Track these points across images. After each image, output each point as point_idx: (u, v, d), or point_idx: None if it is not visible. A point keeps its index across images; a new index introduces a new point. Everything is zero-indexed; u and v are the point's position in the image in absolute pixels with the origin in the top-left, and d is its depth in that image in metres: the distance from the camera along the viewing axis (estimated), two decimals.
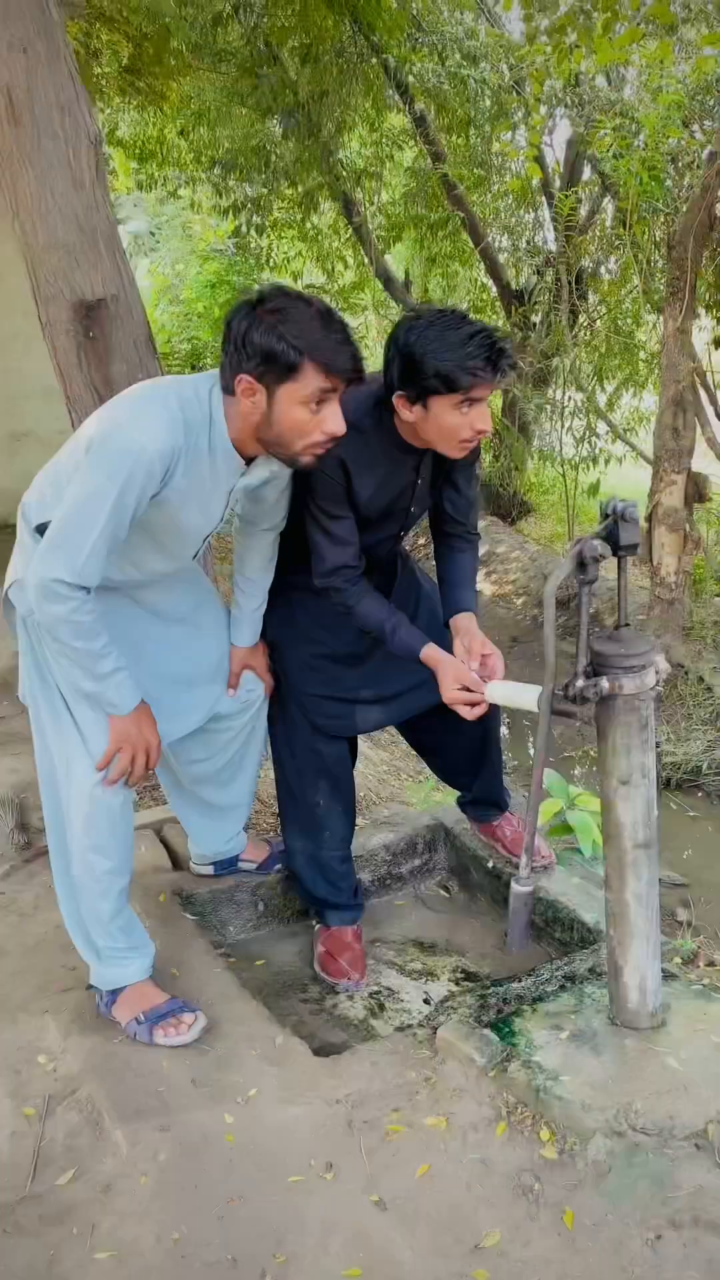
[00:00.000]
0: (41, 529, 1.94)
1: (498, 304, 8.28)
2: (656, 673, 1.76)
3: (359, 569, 2.24)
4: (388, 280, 8.78)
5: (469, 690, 2.09)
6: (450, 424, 2.00)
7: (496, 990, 2.16)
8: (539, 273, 7.63)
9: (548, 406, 7.14)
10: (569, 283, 6.81)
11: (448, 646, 2.21)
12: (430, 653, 2.18)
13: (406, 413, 2.03)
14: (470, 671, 2.12)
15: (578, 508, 7.00)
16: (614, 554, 1.69)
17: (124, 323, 2.98)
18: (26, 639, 2.06)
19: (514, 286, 7.96)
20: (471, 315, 2.00)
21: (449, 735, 2.58)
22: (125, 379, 2.99)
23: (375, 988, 2.47)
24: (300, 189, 7.82)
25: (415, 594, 2.55)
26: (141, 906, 2.53)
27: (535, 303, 7.57)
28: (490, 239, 7.50)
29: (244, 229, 8.12)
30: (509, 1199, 1.68)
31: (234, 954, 2.58)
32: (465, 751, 2.64)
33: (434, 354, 1.91)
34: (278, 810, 2.66)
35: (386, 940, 2.68)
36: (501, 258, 8.28)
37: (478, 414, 1.99)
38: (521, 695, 1.97)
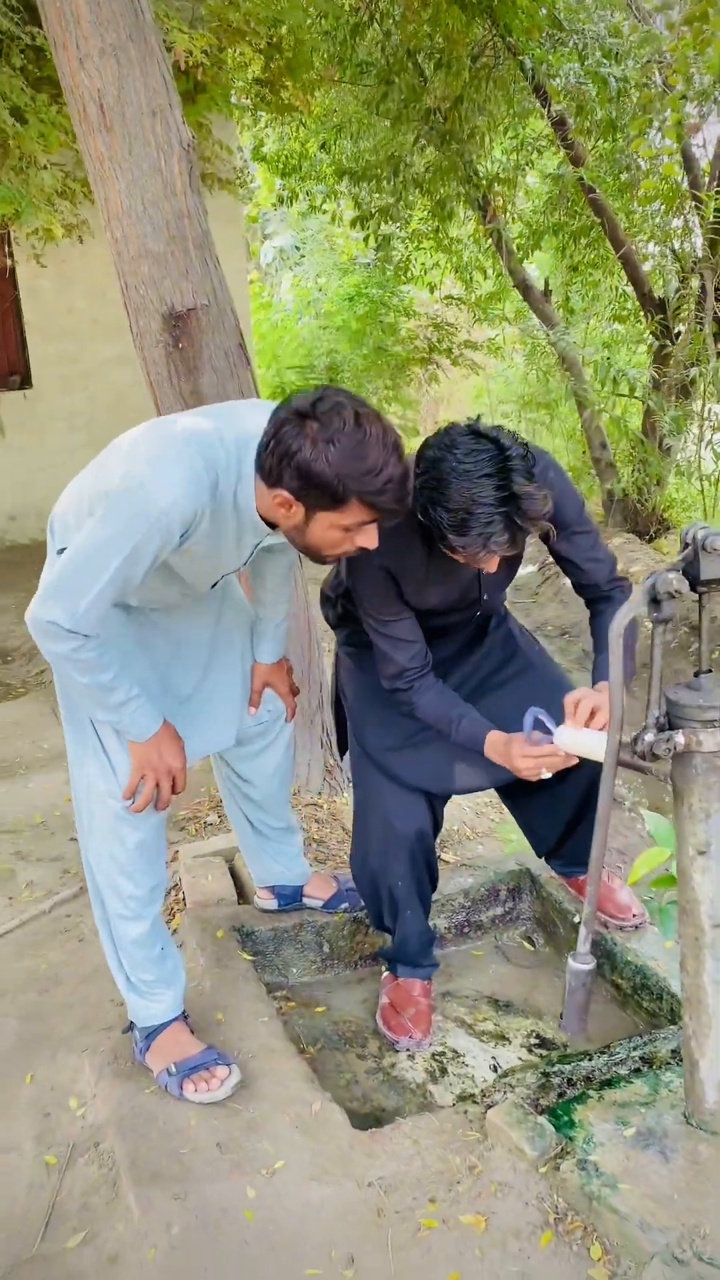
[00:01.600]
0: (62, 552, 1.85)
1: (640, 314, 7.91)
2: None
3: (423, 669, 2.12)
4: (526, 289, 8.53)
5: (539, 756, 1.89)
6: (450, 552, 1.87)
7: (563, 1069, 1.94)
8: (683, 279, 7.25)
9: (689, 420, 6.75)
10: (714, 289, 6.43)
11: (557, 710, 2.00)
12: (492, 740, 2.03)
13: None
14: (525, 736, 1.92)
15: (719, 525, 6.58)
16: (692, 589, 1.46)
17: (215, 332, 2.89)
18: None
19: (656, 295, 7.59)
20: (512, 457, 1.76)
21: (543, 795, 2.37)
22: (215, 389, 2.91)
23: (440, 1048, 2.27)
24: (437, 198, 7.67)
25: (510, 657, 2.37)
26: (197, 941, 2.42)
27: (678, 311, 7.19)
28: (631, 245, 7.15)
29: (377, 240, 8.02)
30: None
31: (294, 998, 2.44)
32: (561, 811, 2.42)
33: (446, 508, 1.76)
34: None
35: (458, 995, 2.48)
36: (649, 265, 7.92)
37: (484, 562, 1.85)
38: (591, 743, 1.75)
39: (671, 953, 2.33)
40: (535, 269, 10.02)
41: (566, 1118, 1.76)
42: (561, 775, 2.14)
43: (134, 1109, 1.92)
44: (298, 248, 13.57)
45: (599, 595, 2.22)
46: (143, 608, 1.99)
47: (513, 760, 1.93)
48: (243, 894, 2.67)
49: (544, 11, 5.85)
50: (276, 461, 1.62)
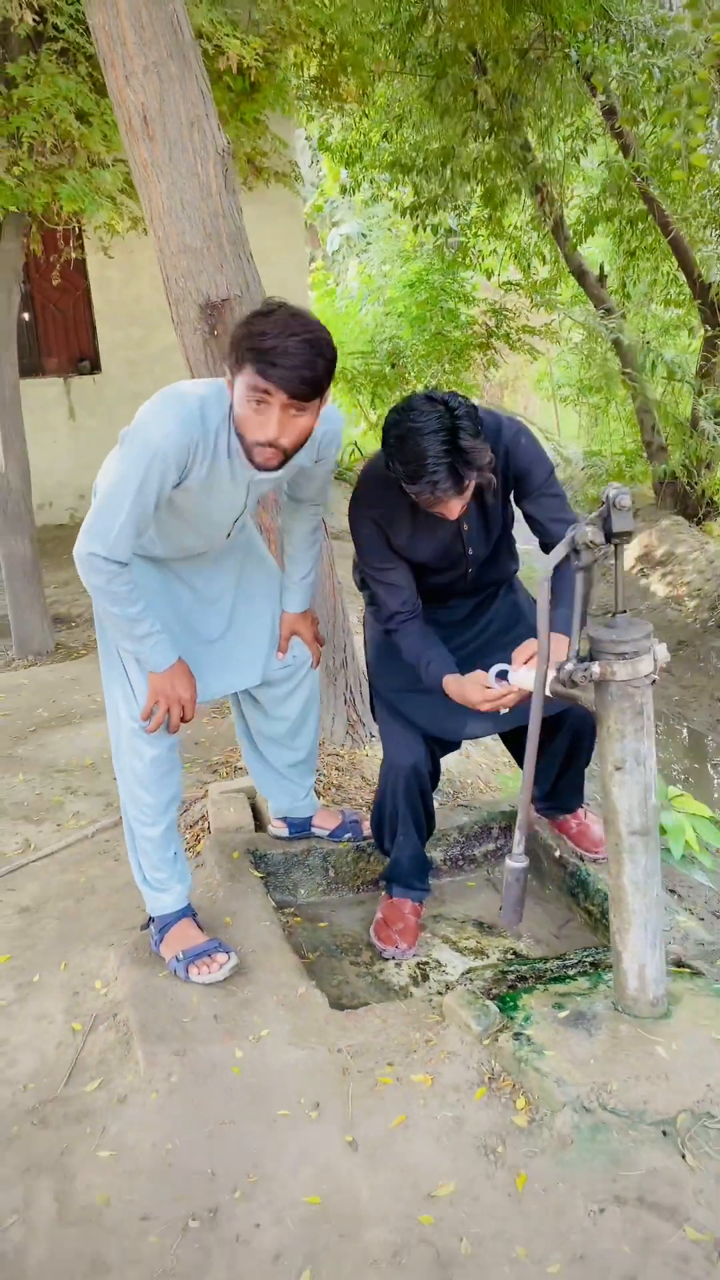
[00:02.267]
0: None
1: (691, 301, 8.02)
2: (655, 660, 1.77)
3: (412, 614, 2.39)
4: (581, 275, 8.69)
5: (490, 689, 2.16)
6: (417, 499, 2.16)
7: (519, 968, 2.22)
8: None
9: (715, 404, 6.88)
10: None
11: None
12: (446, 681, 2.29)
13: None
14: (483, 673, 2.19)
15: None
16: (607, 541, 1.72)
17: None
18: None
19: (706, 282, 7.70)
20: (459, 416, 2.03)
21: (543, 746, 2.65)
22: None
23: (424, 959, 2.56)
24: (490, 187, 7.86)
25: (513, 624, 2.62)
26: (216, 860, 2.74)
27: None
28: (681, 232, 7.28)
29: (427, 228, 8.25)
30: (471, 1157, 1.75)
31: (300, 914, 2.74)
32: (551, 763, 2.68)
33: (403, 460, 2.06)
34: None
35: (447, 917, 2.76)
36: (703, 251, 8.02)
37: (443, 508, 2.14)
38: (529, 678, 2.02)
39: None
40: (597, 252, 10.13)
41: (512, 1003, 2.03)
42: (550, 732, 2.43)
43: (148, 988, 2.24)
44: (364, 235, 13.82)
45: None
46: (169, 561, 2.30)
47: (470, 697, 2.19)
48: (260, 824, 2.98)
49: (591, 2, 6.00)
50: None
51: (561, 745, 2.62)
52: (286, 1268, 1.61)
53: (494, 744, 3.86)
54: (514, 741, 2.77)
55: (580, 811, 2.79)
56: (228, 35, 4.56)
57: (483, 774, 3.62)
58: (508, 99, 6.55)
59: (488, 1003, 2.02)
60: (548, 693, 1.86)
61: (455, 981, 2.42)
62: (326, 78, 5.94)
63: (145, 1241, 1.68)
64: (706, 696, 5.98)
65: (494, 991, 2.10)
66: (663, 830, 3.06)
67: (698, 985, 2.08)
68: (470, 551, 2.43)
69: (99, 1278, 1.62)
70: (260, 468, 2.00)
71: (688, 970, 2.15)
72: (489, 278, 9.91)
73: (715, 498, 8.40)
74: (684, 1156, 1.67)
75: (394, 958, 2.54)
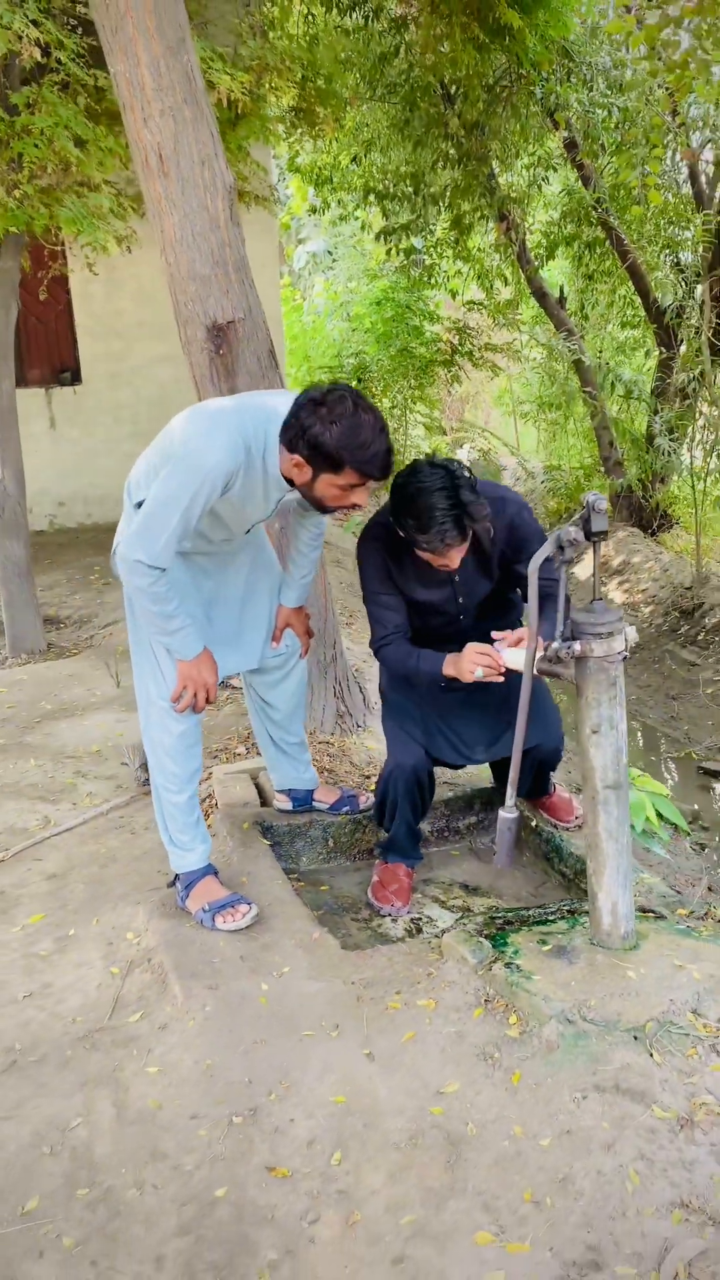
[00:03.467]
0: (139, 505, 2.46)
1: (646, 322, 8.45)
2: (625, 640, 2.09)
3: (402, 635, 2.70)
4: (542, 296, 9.09)
5: (486, 656, 2.46)
6: (422, 555, 2.50)
7: (505, 914, 2.53)
8: (686, 290, 7.78)
9: (687, 423, 7.29)
10: (710, 299, 6.96)
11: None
12: (449, 658, 2.58)
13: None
14: (482, 644, 2.50)
15: (706, 520, 7.12)
16: (587, 539, 2.04)
17: (250, 341, 3.49)
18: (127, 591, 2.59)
19: (660, 305, 8.13)
20: (459, 478, 2.38)
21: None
22: (248, 389, 3.50)
23: (417, 915, 2.86)
24: (460, 211, 8.23)
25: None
26: (227, 830, 3.03)
27: (680, 320, 7.73)
28: (637, 258, 7.70)
29: (400, 253, 8.61)
30: (472, 1062, 2.06)
31: (303, 879, 3.03)
32: (524, 787, 2.99)
33: (411, 520, 2.39)
34: None
35: (436, 881, 3.07)
36: (658, 275, 8.46)
37: (439, 562, 2.48)
38: (517, 657, 2.34)
39: None
40: (557, 274, 10.56)
41: (502, 940, 2.34)
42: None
43: (178, 935, 2.53)
44: (330, 252, 14.18)
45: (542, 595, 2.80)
46: (193, 555, 2.59)
47: (464, 660, 2.49)
48: (264, 801, 3.27)
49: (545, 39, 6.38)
50: (296, 434, 2.23)
51: (531, 767, 2.92)
52: (319, 1150, 1.90)
53: None
54: (498, 768, 3.12)
55: (552, 788, 3.11)
56: (218, 70, 4.87)
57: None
58: (476, 131, 6.93)
59: (481, 939, 2.33)
60: (535, 669, 2.19)
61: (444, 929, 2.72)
62: (304, 108, 6.27)
63: (196, 1135, 1.96)
64: (661, 695, 6.36)
65: (485, 932, 2.41)
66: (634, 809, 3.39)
67: (660, 926, 2.40)
68: (461, 600, 2.73)
69: (158, 1163, 1.91)
70: (329, 512, 2.36)
71: (652, 915, 2.47)
72: (454, 297, 10.30)
73: (668, 510, 8.82)
74: (651, 1054, 1.99)
75: (390, 914, 2.84)
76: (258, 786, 3.34)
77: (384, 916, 2.84)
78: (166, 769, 2.60)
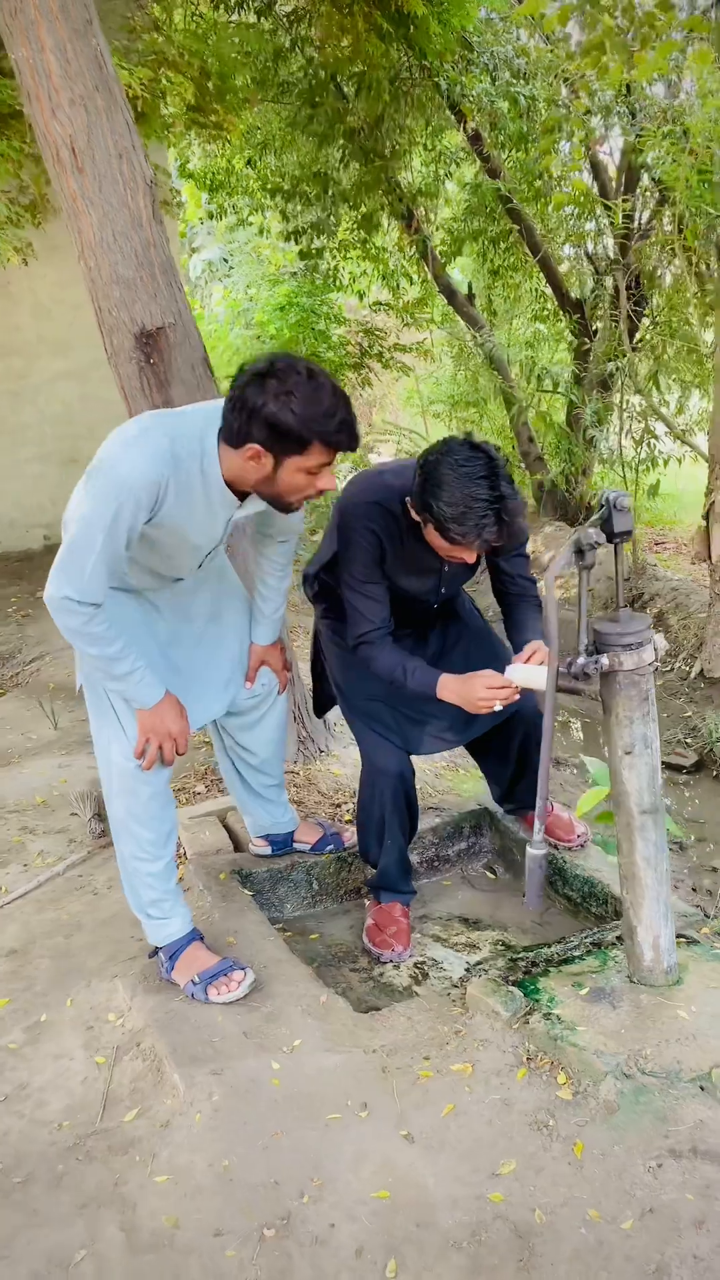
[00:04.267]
0: None
1: (559, 314, 8.38)
2: (655, 650, 1.90)
3: (387, 630, 2.46)
4: (451, 294, 8.96)
5: (499, 687, 2.25)
6: (439, 546, 2.25)
7: (527, 955, 2.32)
8: (598, 280, 7.73)
9: (610, 412, 7.22)
10: (627, 289, 6.90)
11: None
12: (444, 681, 2.36)
13: (411, 510, 2.27)
14: (491, 671, 2.30)
15: (638, 508, 7.07)
16: (609, 541, 1.84)
17: (182, 348, 3.22)
18: None
19: (574, 296, 8.07)
20: (499, 465, 2.14)
21: (492, 754, 2.78)
22: (184, 399, 3.23)
23: (420, 958, 2.63)
24: (363, 211, 8.04)
25: (475, 637, 2.75)
26: (204, 883, 2.75)
27: (595, 310, 7.67)
28: (548, 250, 7.62)
29: (310, 252, 8.39)
30: (526, 1133, 1.84)
31: (290, 929, 2.78)
32: (505, 766, 2.81)
33: (446, 503, 2.11)
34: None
35: (432, 916, 2.84)
36: (564, 267, 8.40)
37: (462, 553, 2.22)
38: (537, 676, 2.13)
39: (614, 865, 2.72)
40: (458, 273, 10.47)
41: (532, 986, 2.13)
42: (504, 734, 2.62)
43: (168, 1013, 2.25)
44: (226, 260, 13.87)
45: (514, 603, 2.61)
46: (145, 592, 2.31)
47: (474, 693, 2.28)
48: (237, 845, 3.00)
49: (444, 27, 6.24)
50: (245, 419, 1.91)
51: (515, 745, 2.75)
52: (370, 1262, 1.66)
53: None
54: (472, 743, 2.89)
55: (548, 804, 2.92)
56: (117, 65, 4.57)
57: (428, 779, 3.72)
58: (379, 126, 6.75)
59: (511, 989, 2.11)
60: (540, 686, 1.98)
61: (460, 977, 2.50)
62: (203, 106, 6.00)
63: (223, 1256, 1.70)
64: None
65: (511, 978, 2.19)
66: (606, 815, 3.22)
67: (697, 952, 2.22)
68: (443, 590, 2.53)
69: None
70: (292, 511, 2.08)
71: (683, 939, 2.29)
72: (360, 299, 10.11)
73: (592, 503, 8.76)
74: None
75: (392, 960, 2.60)
76: (227, 829, 3.07)
77: (385, 964, 2.61)
78: (139, 836, 2.30)
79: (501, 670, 2.33)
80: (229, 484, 2.05)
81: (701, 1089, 1.83)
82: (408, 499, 2.25)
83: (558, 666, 1.90)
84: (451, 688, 2.33)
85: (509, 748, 2.77)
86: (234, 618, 2.54)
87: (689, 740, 5.39)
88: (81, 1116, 2.05)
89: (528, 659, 2.28)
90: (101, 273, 3.12)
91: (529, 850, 1.97)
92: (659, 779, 1.97)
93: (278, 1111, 1.97)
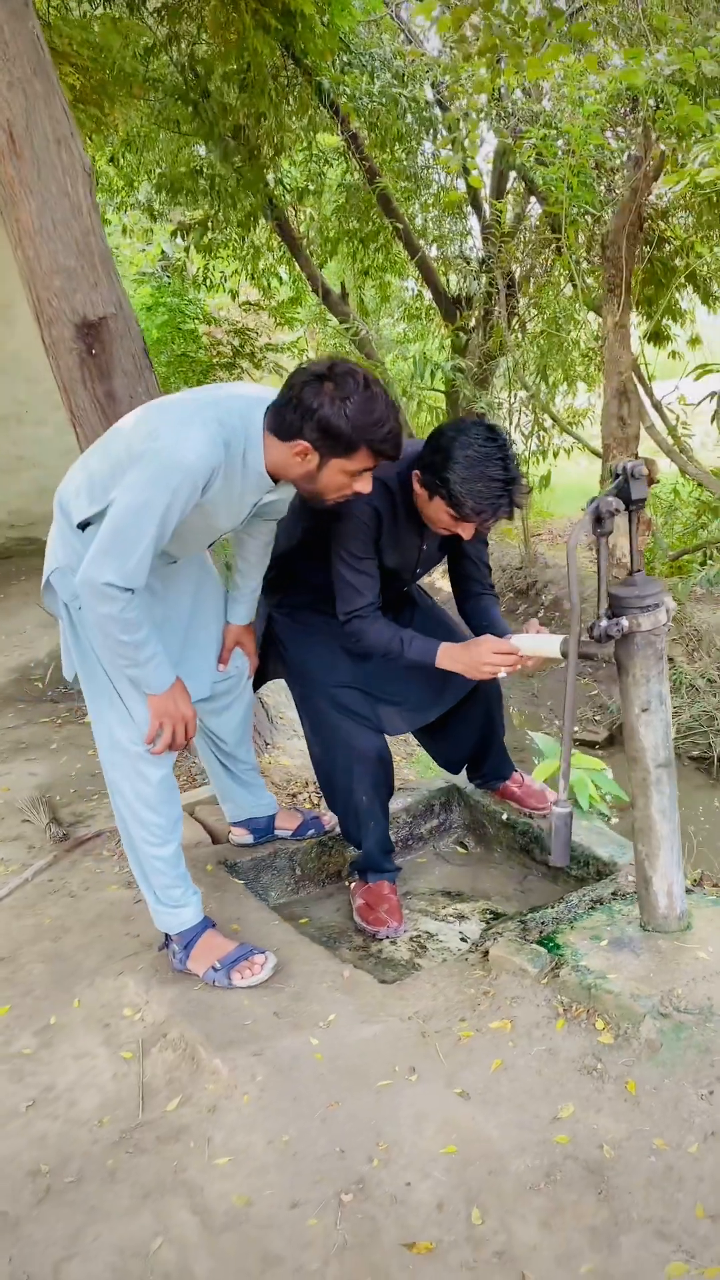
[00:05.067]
0: (83, 525, 2.13)
1: (433, 310, 8.58)
2: (667, 611, 2.01)
3: (378, 605, 2.50)
4: (326, 294, 9.03)
5: (504, 652, 2.32)
6: (440, 520, 2.32)
7: (534, 916, 2.40)
8: (475, 278, 7.95)
9: (492, 405, 7.44)
10: (503, 287, 7.13)
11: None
12: (446, 648, 2.42)
13: (417, 487, 2.34)
14: (494, 637, 2.37)
15: (530, 500, 7.30)
16: (626, 508, 1.94)
17: (123, 339, 3.17)
18: (69, 622, 2.24)
19: (450, 293, 8.27)
20: (510, 449, 2.24)
21: (451, 729, 2.85)
22: (127, 391, 3.19)
23: (414, 932, 2.68)
24: (235, 210, 8.02)
25: (427, 617, 2.82)
26: (192, 875, 2.72)
27: (472, 308, 7.89)
28: (424, 249, 7.79)
29: (179, 251, 8.31)
30: (577, 1078, 1.91)
31: (278, 915, 2.77)
32: (467, 739, 2.89)
33: (462, 480, 2.18)
34: (323, 797, 2.86)
35: (416, 893, 2.90)
36: (441, 266, 8.61)
37: (465, 528, 2.30)
38: (546, 643, 2.21)
39: (587, 829, 2.84)
40: (326, 274, 10.55)
41: (553, 943, 2.21)
42: (466, 704, 2.74)
43: (191, 1001, 2.23)
44: None
45: (479, 590, 2.74)
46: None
47: (481, 657, 2.34)
48: (214, 838, 2.98)
49: (328, 29, 6.31)
50: (299, 417, 1.97)
51: (478, 714, 2.84)
52: (454, 1213, 1.70)
53: None
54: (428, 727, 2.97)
55: (517, 776, 3.02)
56: None
57: (395, 759, 3.77)
58: (258, 124, 6.75)
59: (535, 946, 2.19)
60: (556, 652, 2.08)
61: (459, 948, 2.57)
62: (87, 99, 5.88)
63: (305, 1225, 1.71)
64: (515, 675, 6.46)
65: (528, 938, 2.27)
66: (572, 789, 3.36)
67: (694, 900, 2.34)
68: (419, 569, 2.60)
69: (276, 1269, 1.64)
70: (326, 505, 2.14)
71: None
72: (233, 298, 10.07)
73: None
74: None
75: (388, 936, 2.64)
76: (200, 822, 3.05)
77: (381, 940, 2.64)
78: (147, 822, 2.27)
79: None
80: (268, 473, 2.07)
81: None
82: (414, 473, 2.30)
83: (579, 632, 1.99)
84: (454, 655, 2.38)
85: (473, 722, 2.86)
86: (214, 601, 2.53)
87: (597, 717, 5.64)
88: (120, 1112, 2.01)
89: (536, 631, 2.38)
90: (41, 262, 3.04)
91: (555, 809, 2.05)
92: (670, 733, 2.08)
93: (326, 1084, 1.98)
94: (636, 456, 5.58)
